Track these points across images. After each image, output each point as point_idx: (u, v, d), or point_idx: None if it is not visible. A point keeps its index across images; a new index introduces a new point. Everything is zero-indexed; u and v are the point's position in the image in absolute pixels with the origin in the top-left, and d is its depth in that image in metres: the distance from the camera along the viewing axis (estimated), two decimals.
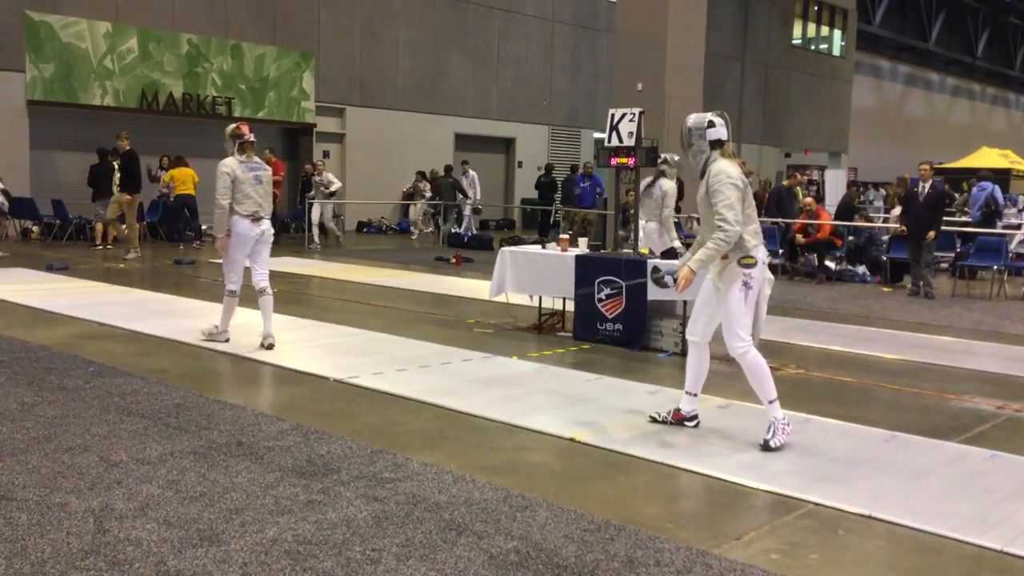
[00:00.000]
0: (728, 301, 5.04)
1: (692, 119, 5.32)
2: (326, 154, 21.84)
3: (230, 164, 7.24)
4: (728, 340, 5.08)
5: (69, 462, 4.41)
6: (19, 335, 7.67)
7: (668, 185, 9.65)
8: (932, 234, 12.12)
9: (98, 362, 6.69)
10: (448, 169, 21.14)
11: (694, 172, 5.27)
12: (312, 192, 17.90)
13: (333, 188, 17.94)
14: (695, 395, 5.43)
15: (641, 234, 9.00)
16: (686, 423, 5.43)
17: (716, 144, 5.19)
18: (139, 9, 18.65)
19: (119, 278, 11.85)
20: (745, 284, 5.01)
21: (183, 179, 16.51)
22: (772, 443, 4.97)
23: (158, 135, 18.33)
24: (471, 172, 21.33)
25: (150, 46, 18.71)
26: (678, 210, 16.88)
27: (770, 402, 5.06)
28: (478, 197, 21.21)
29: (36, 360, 6.70)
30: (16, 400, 5.54)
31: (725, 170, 5.04)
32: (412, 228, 21.76)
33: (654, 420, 5.49)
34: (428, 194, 21.41)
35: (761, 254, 5.09)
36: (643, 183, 9.24)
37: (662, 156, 9.35)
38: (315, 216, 17.71)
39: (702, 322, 5.30)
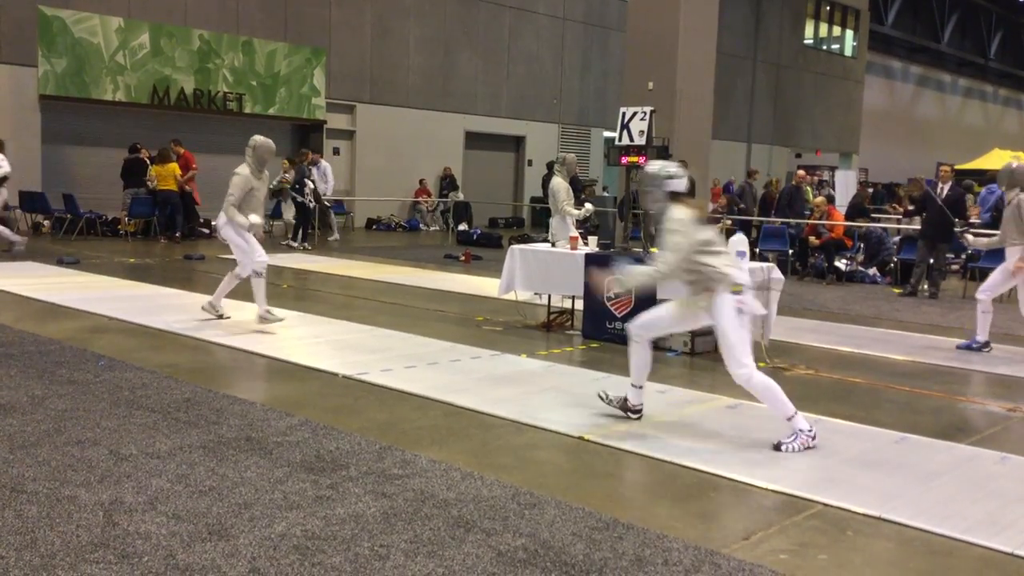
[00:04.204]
0: (726, 331, 5.03)
1: (652, 167, 5.33)
2: (336, 151, 21.88)
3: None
4: (731, 368, 5.05)
5: (79, 455, 4.43)
6: (30, 328, 7.70)
7: (555, 181, 10.67)
8: (970, 237, 11.32)
9: (108, 356, 6.71)
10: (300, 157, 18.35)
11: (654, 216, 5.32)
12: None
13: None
14: (641, 387, 5.50)
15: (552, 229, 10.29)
16: (631, 414, 5.51)
17: (674, 196, 5.17)
18: (151, 5, 18.70)
19: (130, 273, 11.88)
20: (739, 311, 5.04)
21: (164, 176, 16.46)
22: (785, 447, 4.96)
23: (169, 131, 18.35)
24: (323, 163, 18.87)
25: (162, 42, 18.75)
26: None
27: (789, 418, 5.01)
28: (328, 193, 18.55)
29: (47, 353, 6.73)
30: (27, 393, 5.56)
31: (678, 218, 5.06)
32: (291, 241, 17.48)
33: (601, 399, 5.61)
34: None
35: (744, 279, 5.13)
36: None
37: (560, 156, 10.92)
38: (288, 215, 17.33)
39: (658, 330, 5.50)
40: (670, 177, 5.18)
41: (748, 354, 5.03)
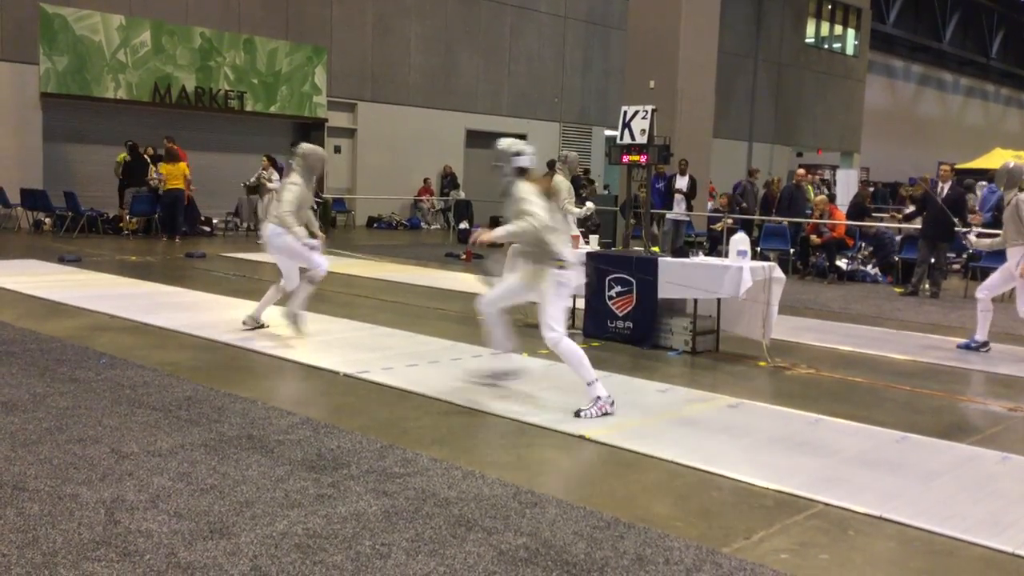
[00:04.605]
0: (546, 300, 5.57)
1: (502, 143, 5.81)
2: (337, 149, 21.88)
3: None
4: (543, 332, 5.57)
5: (80, 453, 4.43)
6: (31, 326, 7.70)
7: (557, 179, 10.51)
8: (973, 238, 11.45)
9: (109, 354, 6.71)
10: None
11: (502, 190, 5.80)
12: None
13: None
14: (504, 352, 6.15)
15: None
16: (506, 379, 6.14)
17: (520, 172, 5.68)
18: (153, 2, 18.71)
19: (131, 271, 11.89)
20: (559, 284, 5.55)
21: (175, 175, 16.43)
22: (584, 414, 5.44)
23: (170, 129, 18.36)
24: None
25: (163, 39, 18.76)
26: (690, 208, 16.87)
27: (590, 383, 5.53)
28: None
29: (48, 351, 6.73)
30: (28, 391, 5.57)
31: (525, 188, 5.63)
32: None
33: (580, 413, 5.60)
34: (274, 183, 16.94)
35: (570, 256, 5.62)
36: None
37: (562, 154, 10.95)
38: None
39: (503, 301, 6.00)
40: (518, 154, 5.69)
41: (561, 322, 5.60)
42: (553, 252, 5.54)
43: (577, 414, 5.45)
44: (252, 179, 17.12)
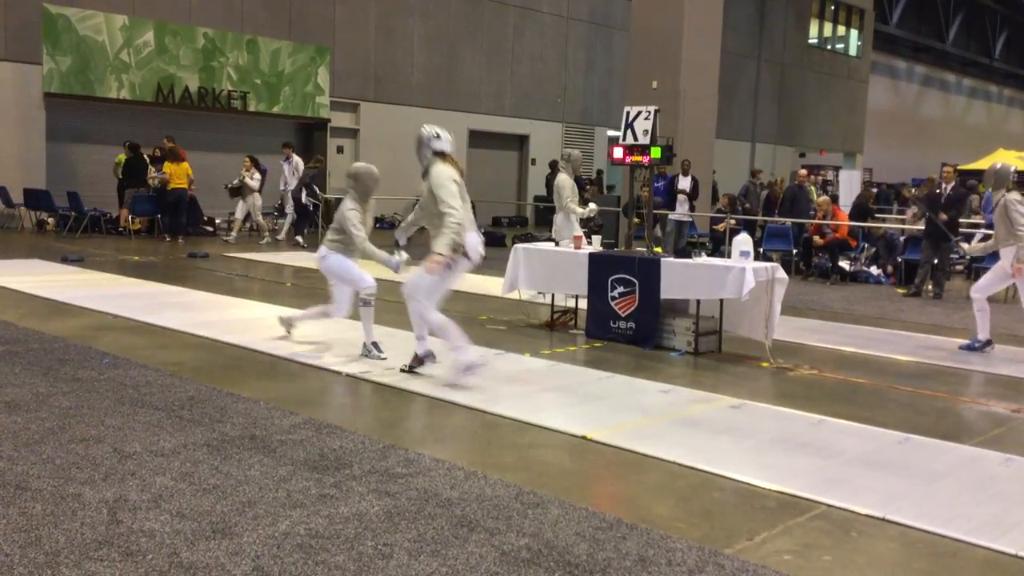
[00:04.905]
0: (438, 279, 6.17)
1: (423, 130, 6.39)
2: (340, 149, 21.88)
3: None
4: (404, 289, 6.29)
5: (83, 453, 4.43)
6: (34, 326, 7.71)
7: (560, 177, 10.75)
8: (966, 246, 11.80)
9: (112, 354, 6.72)
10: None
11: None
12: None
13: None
14: (424, 338, 6.45)
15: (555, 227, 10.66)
16: (428, 361, 6.49)
17: (439, 154, 6.26)
18: (156, 3, 18.71)
19: (134, 270, 11.90)
20: (447, 266, 6.07)
21: (179, 174, 16.41)
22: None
23: (173, 129, 18.37)
24: (295, 157, 17.36)
25: (166, 40, 18.77)
26: (692, 209, 16.85)
27: (420, 338, 6.40)
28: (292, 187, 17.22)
29: (51, 351, 6.74)
30: (31, 391, 5.57)
31: (443, 172, 6.16)
32: (232, 234, 16.97)
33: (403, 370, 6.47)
34: (256, 183, 16.89)
35: (470, 240, 6.13)
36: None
37: (565, 152, 11.09)
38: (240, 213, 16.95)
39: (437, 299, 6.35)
40: (437, 137, 6.29)
41: (428, 295, 6.22)
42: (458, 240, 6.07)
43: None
44: (235, 181, 16.95)
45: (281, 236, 17.34)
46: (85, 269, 11.75)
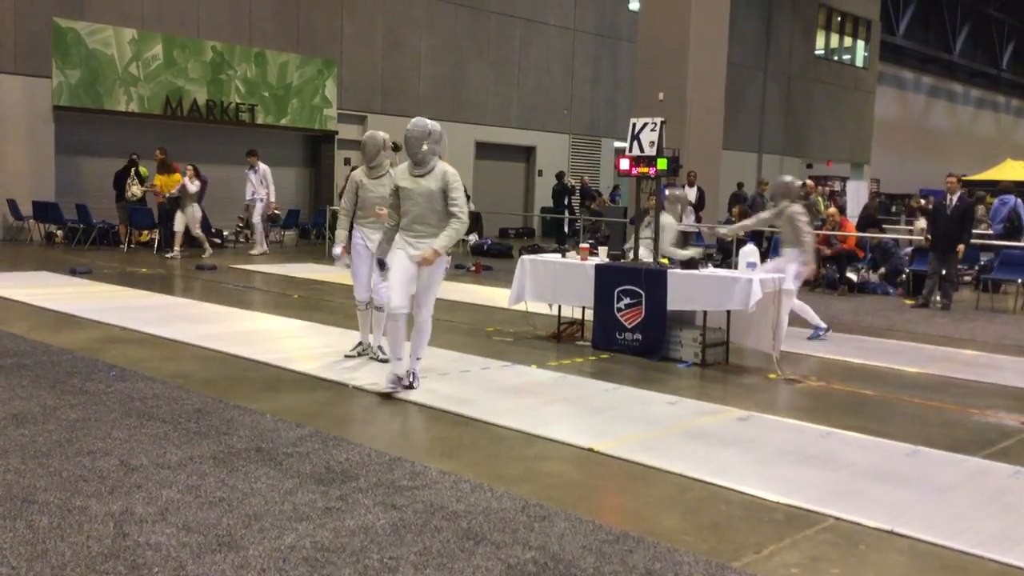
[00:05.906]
0: (434, 280, 6.29)
1: (437, 126, 6.45)
2: (347, 161, 21.95)
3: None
4: (425, 308, 6.26)
5: (90, 466, 4.44)
6: (42, 338, 7.74)
7: (667, 221, 10.25)
8: (962, 247, 12.05)
9: (120, 366, 6.74)
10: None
11: (418, 167, 6.31)
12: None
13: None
14: (401, 359, 6.23)
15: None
16: (412, 383, 6.29)
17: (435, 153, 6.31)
18: (164, 16, 18.83)
19: (141, 283, 11.93)
20: (444, 268, 6.30)
21: (169, 185, 16.30)
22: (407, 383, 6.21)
23: (182, 141, 18.46)
24: (261, 165, 16.87)
25: (175, 53, 18.87)
26: (698, 219, 16.85)
27: (418, 359, 6.32)
28: (272, 199, 16.91)
29: (59, 363, 6.76)
30: (39, 403, 5.59)
31: (457, 174, 6.28)
32: (176, 249, 15.68)
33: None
34: (194, 189, 15.86)
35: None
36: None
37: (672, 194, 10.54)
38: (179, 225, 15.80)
39: (408, 293, 6.18)
40: (435, 135, 6.37)
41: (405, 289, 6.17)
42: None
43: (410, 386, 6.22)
44: (175, 190, 15.88)
45: (264, 247, 16.94)
46: (93, 281, 11.79)
